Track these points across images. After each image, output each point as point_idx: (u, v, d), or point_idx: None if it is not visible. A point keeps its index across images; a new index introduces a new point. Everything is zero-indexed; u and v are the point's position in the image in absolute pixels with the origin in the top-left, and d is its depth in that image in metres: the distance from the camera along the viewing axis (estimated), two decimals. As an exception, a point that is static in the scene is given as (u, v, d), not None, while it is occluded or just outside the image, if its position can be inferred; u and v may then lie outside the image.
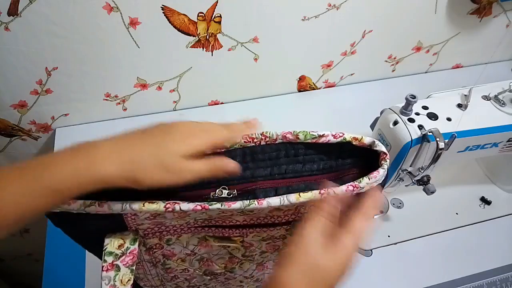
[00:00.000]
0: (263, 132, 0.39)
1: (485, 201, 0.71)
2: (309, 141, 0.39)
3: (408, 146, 0.55)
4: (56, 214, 0.36)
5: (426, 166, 0.57)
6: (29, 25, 0.61)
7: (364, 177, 0.37)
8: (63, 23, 0.62)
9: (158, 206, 0.35)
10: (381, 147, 0.39)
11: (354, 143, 0.39)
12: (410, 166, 0.58)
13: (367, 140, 0.39)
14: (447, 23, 0.85)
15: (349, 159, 0.41)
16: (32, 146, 0.82)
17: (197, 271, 0.48)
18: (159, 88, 0.79)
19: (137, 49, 0.70)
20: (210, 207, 0.35)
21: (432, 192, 0.60)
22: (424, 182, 0.60)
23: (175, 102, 0.83)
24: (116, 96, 0.77)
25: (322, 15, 0.75)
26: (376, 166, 0.39)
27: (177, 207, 0.35)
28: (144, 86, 0.77)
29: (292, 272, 0.31)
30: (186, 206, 0.35)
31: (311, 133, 0.39)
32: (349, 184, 0.37)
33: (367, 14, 0.78)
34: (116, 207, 0.35)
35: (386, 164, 0.38)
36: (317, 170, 0.41)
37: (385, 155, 0.38)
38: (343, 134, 0.39)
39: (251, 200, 0.35)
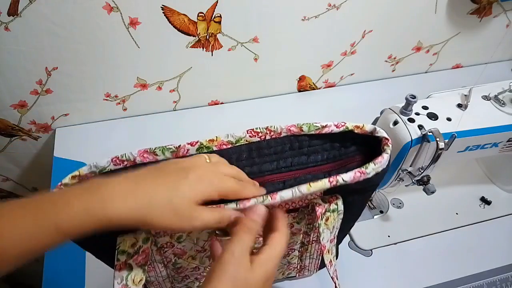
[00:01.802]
0: (267, 127, 0.40)
1: (485, 201, 0.71)
2: (313, 132, 0.40)
3: (408, 146, 0.55)
4: None
5: (426, 166, 0.57)
6: (29, 25, 0.61)
7: (370, 163, 0.38)
8: (63, 23, 0.62)
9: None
10: (382, 133, 0.40)
11: (356, 131, 0.40)
12: (410, 166, 0.58)
13: (368, 127, 0.40)
14: (447, 23, 0.85)
15: (352, 147, 0.42)
16: (32, 146, 0.82)
17: (207, 269, 0.48)
18: (159, 88, 0.79)
19: (137, 49, 0.70)
20: (225, 206, 0.36)
21: (432, 192, 0.60)
22: (424, 182, 0.60)
23: (175, 102, 0.83)
24: (116, 96, 0.77)
25: (322, 15, 0.75)
26: (379, 151, 0.40)
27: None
28: (144, 86, 0.77)
29: (223, 287, 0.32)
30: None
31: (314, 124, 0.40)
32: (356, 170, 0.38)
33: (367, 14, 0.78)
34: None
35: (389, 149, 0.39)
36: (321, 160, 0.41)
37: (387, 141, 0.40)
38: (345, 123, 0.40)
39: (264, 196, 0.36)
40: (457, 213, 0.70)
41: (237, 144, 0.40)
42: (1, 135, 0.77)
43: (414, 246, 0.65)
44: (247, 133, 0.39)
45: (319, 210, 0.41)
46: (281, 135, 0.41)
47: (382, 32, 0.82)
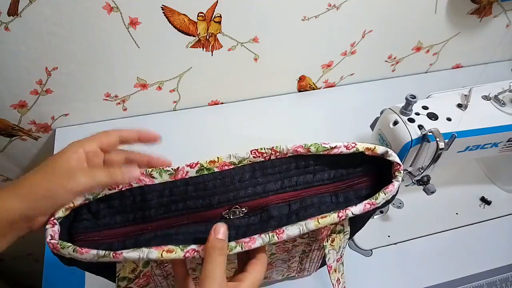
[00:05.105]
0: (273, 147, 0.38)
1: (485, 201, 0.71)
2: (321, 153, 0.38)
3: (408, 146, 0.55)
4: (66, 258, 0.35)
5: (426, 166, 0.57)
6: (29, 25, 0.61)
7: (380, 193, 0.37)
8: (63, 23, 0.62)
9: (177, 254, 0.34)
10: (394, 157, 0.38)
11: (367, 153, 0.38)
12: (410, 166, 0.58)
13: (380, 150, 0.38)
14: (447, 23, 0.85)
15: (360, 167, 0.40)
16: (32, 146, 0.82)
17: None
18: (159, 88, 0.79)
19: (137, 49, 0.70)
20: (230, 252, 0.34)
21: (432, 192, 0.60)
22: (424, 182, 0.60)
23: (175, 102, 0.83)
24: (116, 96, 0.77)
25: (322, 15, 0.75)
26: (388, 174, 0.38)
27: (197, 255, 0.34)
28: (144, 86, 0.77)
29: None
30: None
31: (323, 145, 0.38)
32: (365, 202, 0.37)
33: (367, 14, 0.78)
34: (133, 256, 0.33)
35: (400, 176, 0.37)
36: (327, 179, 0.40)
37: (399, 166, 0.38)
38: (356, 145, 0.38)
39: (270, 235, 0.35)
40: (457, 213, 0.70)
41: (239, 165, 0.37)
42: (1, 135, 0.77)
43: (414, 246, 0.65)
44: (251, 153, 0.37)
45: (324, 232, 0.39)
46: (287, 156, 0.38)
47: (382, 32, 0.82)
